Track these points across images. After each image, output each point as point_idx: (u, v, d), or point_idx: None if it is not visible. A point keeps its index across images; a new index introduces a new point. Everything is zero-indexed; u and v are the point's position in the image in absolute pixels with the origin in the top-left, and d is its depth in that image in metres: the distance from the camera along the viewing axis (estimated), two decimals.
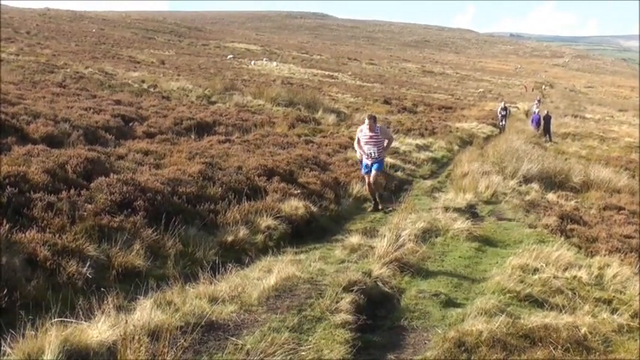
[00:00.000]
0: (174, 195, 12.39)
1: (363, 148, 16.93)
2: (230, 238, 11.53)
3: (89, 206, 10.61)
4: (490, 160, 24.75)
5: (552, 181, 22.88)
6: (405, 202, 15.71)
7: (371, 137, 16.77)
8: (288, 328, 6.95)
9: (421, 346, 7.56)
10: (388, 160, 24.26)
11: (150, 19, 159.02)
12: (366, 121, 16.88)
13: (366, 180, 17.20)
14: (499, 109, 49.02)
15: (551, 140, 44.35)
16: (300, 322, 7.25)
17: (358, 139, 17.16)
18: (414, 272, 10.37)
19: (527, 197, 19.09)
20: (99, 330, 6.19)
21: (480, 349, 7.04)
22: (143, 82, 41.26)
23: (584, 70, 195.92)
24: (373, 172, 16.82)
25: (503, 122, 47.62)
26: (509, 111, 52.70)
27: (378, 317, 8.44)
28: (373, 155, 16.82)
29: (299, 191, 15.35)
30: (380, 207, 16.95)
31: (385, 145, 17.13)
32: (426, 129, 38.85)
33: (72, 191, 10.98)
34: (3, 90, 25.06)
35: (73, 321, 6.32)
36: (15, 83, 30.25)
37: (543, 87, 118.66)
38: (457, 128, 42.58)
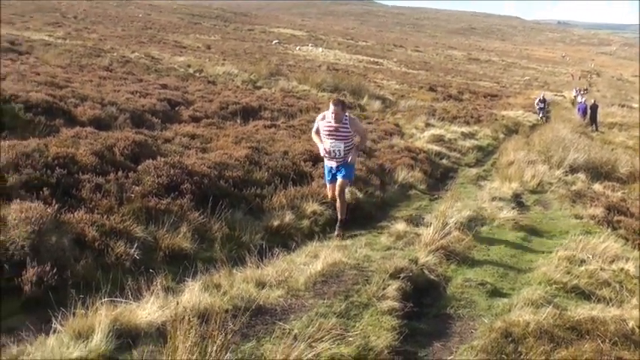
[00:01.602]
0: (221, 179, 12.42)
1: (325, 143, 12.24)
2: (276, 223, 11.53)
3: (137, 188, 10.66)
4: (536, 149, 24.52)
5: (599, 172, 22.61)
6: (451, 190, 15.63)
7: (336, 129, 12.08)
8: (335, 313, 6.92)
9: (467, 335, 7.49)
10: (433, 147, 24.11)
11: (196, 4, 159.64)
12: (331, 107, 11.95)
13: (330, 195, 12.78)
14: (537, 101, 47.11)
15: (597, 130, 43.79)
16: (347, 308, 7.22)
17: (317, 130, 12.50)
18: (459, 261, 10.29)
19: (574, 187, 18.87)
20: (148, 311, 6.23)
21: (526, 340, 6.96)
22: (189, 66, 41.45)
23: (632, 58, 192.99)
24: (339, 180, 12.30)
25: (542, 115, 45.61)
26: (548, 102, 50.28)
27: (424, 305, 8.39)
28: (338, 155, 12.19)
29: None
30: (338, 232, 12.31)
31: (356, 142, 12.66)
32: (472, 117, 38.60)
33: (120, 173, 11.04)
34: (51, 73, 25.30)
35: (123, 301, 6.37)
36: (62, 67, 30.53)
37: (589, 76, 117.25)
38: (503, 116, 42.26)
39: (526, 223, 13.64)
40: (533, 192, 17.94)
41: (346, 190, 13.47)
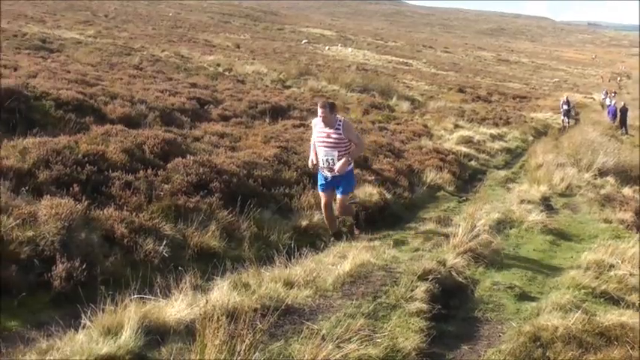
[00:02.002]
0: (250, 178, 12.45)
1: (319, 152, 10.98)
2: (304, 223, 11.55)
3: (166, 186, 10.72)
4: (565, 152, 24.39)
5: (628, 175, 22.43)
6: (480, 193, 15.56)
7: (328, 135, 10.79)
8: (363, 314, 6.89)
9: (495, 338, 7.45)
10: (462, 149, 24.03)
11: (226, 3, 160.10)
12: (319, 109, 10.77)
13: (323, 202, 11.33)
14: (561, 103, 45.04)
15: (627, 133, 43.31)
16: (375, 309, 7.19)
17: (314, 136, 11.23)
18: (488, 263, 10.24)
19: (603, 191, 18.72)
20: (177, 308, 6.25)
21: (555, 345, 6.90)
22: (218, 65, 41.59)
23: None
24: (338, 197, 11.17)
25: (566, 119, 43.93)
26: (573, 105, 48.66)
27: (452, 307, 8.35)
28: (332, 164, 10.85)
29: (373, 177, 15.29)
30: (356, 235, 11.73)
31: (351, 150, 11.08)
32: (500, 118, 38.48)
33: (149, 171, 11.09)
34: (81, 71, 25.46)
35: (152, 298, 6.39)
36: (93, 65, 30.71)
37: (619, 78, 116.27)
38: (532, 118, 42.10)
39: (555, 226, 13.54)
40: (561, 195, 17.82)
41: (373, 191, 13.47)
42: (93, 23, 62.39)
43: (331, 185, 11.14)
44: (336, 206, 11.37)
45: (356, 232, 11.95)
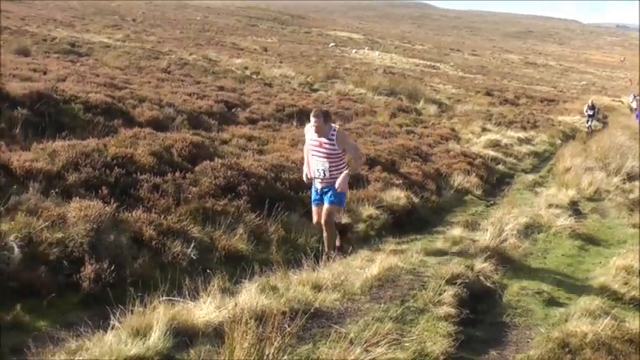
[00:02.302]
0: (277, 181, 12.46)
1: (311, 162, 10.18)
2: None
3: (194, 189, 10.75)
4: (593, 156, 24.15)
5: None
6: (507, 197, 15.48)
7: (320, 145, 9.96)
8: (391, 318, 6.88)
9: (523, 344, 7.42)
10: (489, 152, 23.93)
11: (253, 6, 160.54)
12: (311, 119, 9.90)
13: (315, 219, 10.46)
14: (585, 107, 43.48)
15: None
16: (403, 313, 7.18)
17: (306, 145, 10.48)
18: (516, 268, 10.21)
19: (632, 195, 18.48)
20: (205, 311, 6.27)
21: (584, 352, 6.86)
22: (246, 68, 41.71)
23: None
24: (325, 205, 10.07)
25: (590, 123, 42.51)
26: (598, 109, 46.76)
27: (480, 312, 8.32)
28: (322, 175, 10.03)
29: (400, 181, 15.26)
30: (330, 256, 10.07)
31: (346, 160, 10.28)
32: (528, 122, 38.27)
33: (177, 174, 11.13)
34: (110, 74, 25.60)
35: (180, 300, 6.41)
36: (121, 68, 30.90)
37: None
38: (559, 122, 41.79)
39: (583, 231, 13.43)
40: (590, 199, 17.67)
41: (400, 195, 13.40)
42: (121, 27, 62.78)
43: (321, 197, 10.20)
44: (323, 217, 10.10)
45: (332, 253, 10.21)
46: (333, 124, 10.08)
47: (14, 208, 8.25)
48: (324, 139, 9.86)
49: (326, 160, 9.88)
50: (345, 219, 11.68)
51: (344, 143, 10.04)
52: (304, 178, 10.47)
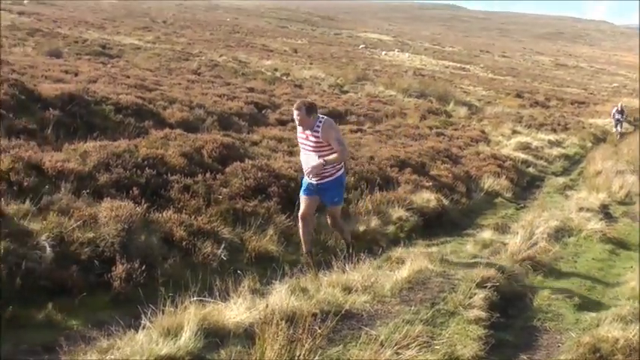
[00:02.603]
0: None
1: (300, 158, 9.82)
2: (362, 228, 11.52)
3: (224, 190, 10.79)
4: (624, 159, 23.95)
5: None
6: (538, 200, 15.39)
7: (307, 138, 9.42)
8: (421, 321, 6.84)
9: (554, 348, 7.36)
10: (519, 155, 23.82)
11: (283, 7, 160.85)
12: (294, 112, 9.36)
13: (301, 210, 9.73)
14: (613, 111, 40.41)
15: None
16: (434, 316, 7.14)
17: None
18: (546, 272, 10.16)
19: None
20: (236, 311, 6.28)
21: (615, 357, 6.79)
22: (276, 70, 41.79)
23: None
24: (329, 209, 9.96)
25: (619, 128, 39.74)
26: (626, 113, 45.52)
27: (511, 316, 8.27)
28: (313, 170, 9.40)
29: (430, 183, 15.22)
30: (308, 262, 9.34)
31: (331, 156, 9.37)
32: (559, 124, 37.99)
33: (207, 175, 11.17)
34: (140, 76, 25.73)
35: (211, 301, 6.43)
36: (152, 70, 31.05)
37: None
38: (590, 124, 41.43)
39: (614, 235, 13.30)
40: (621, 203, 17.48)
41: (430, 197, 13.35)
42: (152, 29, 63.11)
43: (316, 193, 9.61)
44: (328, 220, 10.07)
45: (350, 243, 10.14)
46: (320, 116, 9.47)
47: (46, 207, 8.32)
48: (309, 132, 9.31)
49: (315, 154, 9.31)
50: (362, 225, 11.76)
51: (327, 134, 9.26)
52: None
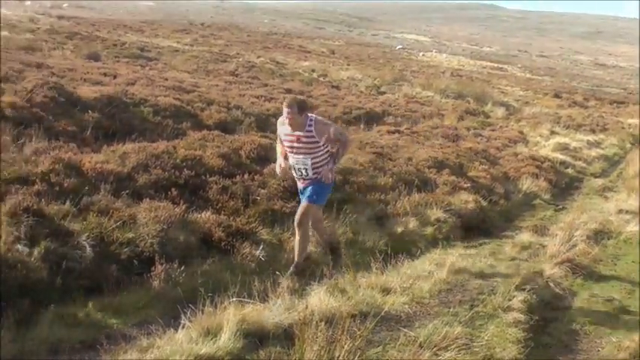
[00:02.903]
0: (346, 184, 12.46)
1: (290, 158, 8.73)
2: (400, 229, 11.47)
3: (262, 191, 10.83)
4: None
5: None
6: (577, 201, 15.25)
7: (297, 139, 8.45)
8: (460, 323, 6.80)
9: (594, 352, 7.29)
10: (558, 156, 23.63)
11: (321, 9, 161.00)
12: (285, 109, 8.40)
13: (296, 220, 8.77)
14: None
15: None
16: (472, 318, 7.10)
17: (280, 139, 8.90)
18: (585, 275, 10.03)
19: None
20: (275, 312, 6.29)
21: None
22: (313, 71, 41.86)
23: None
24: (303, 202, 8.76)
25: None
26: None
27: (550, 319, 8.19)
28: (305, 174, 8.61)
29: (468, 185, 15.12)
30: (290, 276, 8.24)
31: (328, 155, 8.66)
32: (597, 125, 37.59)
33: (245, 176, 11.20)
34: (178, 78, 25.89)
35: (250, 301, 6.44)
36: (189, 72, 31.23)
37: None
38: (629, 124, 40.97)
39: None
40: None
41: (468, 198, 13.25)
42: (189, 31, 63.48)
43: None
44: (296, 216, 8.83)
45: (298, 264, 8.75)
46: (310, 114, 8.56)
47: (86, 208, 8.40)
48: (300, 133, 8.35)
49: (308, 156, 8.42)
50: (400, 227, 11.65)
51: (323, 131, 8.41)
52: (277, 170, 9.11)
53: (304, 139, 8.32)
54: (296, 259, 8.70)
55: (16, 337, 5.71)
